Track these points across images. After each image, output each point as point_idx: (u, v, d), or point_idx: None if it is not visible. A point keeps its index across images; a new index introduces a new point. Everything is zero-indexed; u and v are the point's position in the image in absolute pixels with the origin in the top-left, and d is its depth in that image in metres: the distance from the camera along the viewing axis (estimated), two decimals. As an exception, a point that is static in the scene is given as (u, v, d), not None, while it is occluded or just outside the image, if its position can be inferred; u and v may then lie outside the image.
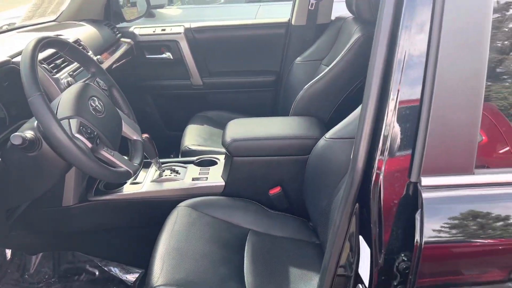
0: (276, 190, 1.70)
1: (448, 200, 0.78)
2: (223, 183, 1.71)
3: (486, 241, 0.79)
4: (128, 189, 1.73)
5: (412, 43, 0.77)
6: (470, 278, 0.81)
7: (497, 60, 0.86)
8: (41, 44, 1.15)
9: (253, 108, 2.51)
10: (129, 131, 1.40)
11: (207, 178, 1.75)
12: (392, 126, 0.79)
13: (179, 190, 1.71)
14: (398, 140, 0.80)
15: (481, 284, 0.83)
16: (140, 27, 2.53)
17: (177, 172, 1.78)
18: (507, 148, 0.91)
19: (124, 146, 1.57)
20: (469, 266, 0.80)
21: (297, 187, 1.67)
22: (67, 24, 2.14)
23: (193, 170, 1.81)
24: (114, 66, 2.20)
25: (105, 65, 1.98)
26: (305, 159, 1.60)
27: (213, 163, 1.88)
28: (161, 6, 3.76)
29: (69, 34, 1.82)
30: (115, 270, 1.72)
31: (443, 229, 0.77)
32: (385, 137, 0.80)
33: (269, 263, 1.44)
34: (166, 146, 2.36)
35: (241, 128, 1.76)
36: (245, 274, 1.38)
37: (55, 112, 1.14)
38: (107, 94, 1.36)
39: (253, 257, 1.45)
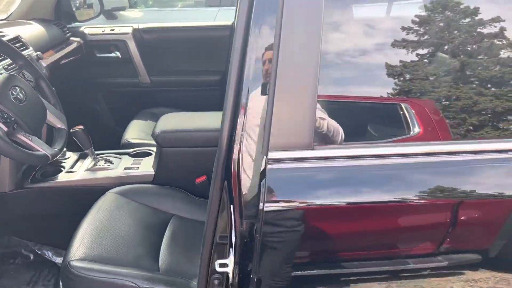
0: (202, 179, 1.82)
1: (290, 170, 0.91)
2: (153, 172, 1.83)
3: (324, 208, 0.92)
4: (63, 177, 1.83)
5: (260, 43, 0.91)
6: (308, 240, 0.94)
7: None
8: None
9: (199, 106, 2.61)
10: (54, 119, 1.51)
11: (138, 167, 1.87)
12: (247, 112, 0.93)
13: (111, 179, 1.82)
14: (252, 123, 0.93)
15: (317, 242, 0.96)
16: (90, 27, 2.64)
17: (111, 162, 1.90)
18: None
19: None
20: (305, 229, 0.93)
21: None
22: (14, 23, 2.24)
23: (127, 161, 1.92)
24: (62, 62, 2.32)
25: (49, 61, 2.08)
26: None
27: (148, 154, 1.99)
28: (123, 9, 3.85)
29: (11, 31, 1.92)
30: (49, 254, 1.81)
31: (283, 195, 0.91)
32: (242, 121, 0.93)
33: (186, 243, 1.56)
34: (116, 141, 2.47)
35: (173, 121, 1.88)
36: (160, 253, 1.50)
37: None
38: (33, 85, 1.47)
39: (171, 238, 1.57)
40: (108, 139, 2.33)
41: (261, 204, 0.90)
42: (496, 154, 0.95)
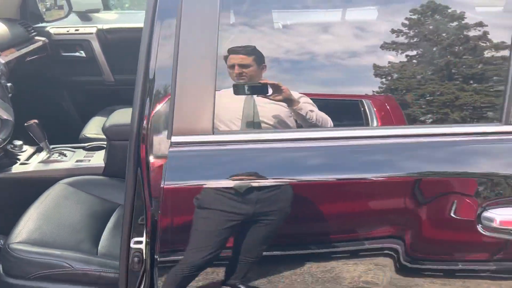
0: (150, 171, 1.90)
1: (190, 152, 1.01)
2: (103, 165, 1.92)
3: (221, 188, 1.01)
4: (17, 168, 1.92)
5: (162, 39, 1.02)
6: (202, 220, 1.03)
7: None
8: None
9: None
10: (0, 111, 1.59)
11: (90, 160, 1.95)
12: (153, 101, 1.03)
13: (63, 170, 1.90)
14: (159, 111, 1.03)
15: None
16: (56, 27, 2.73)
17: (64, 155, 1.98)
18: None
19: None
20: (200, 208, 1.02)
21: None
22: (-23, 22, 2.32)
23: (80, 154, 2.01)
24: (27, 59, 2.41)
25: (8, 58, 2.17)
26: None
27: (102, 148, 2.08)
28: (97, 11, 3.93)
29: (-31, 30, 2.01)
30: (1, 242, 1.88)
31: (181, 175, 1.00)
32: (149, 110, 1.03)
33: (127, 230, 1.65)
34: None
35: (123, 116, 1.96)
36: (101, 239, 1.58)
37: None
38: (-19, 79, 1.56)
39: (114, 226, 1.65)
40: (72, 134, 2.41)
41: (162, 183, 0.99)
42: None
